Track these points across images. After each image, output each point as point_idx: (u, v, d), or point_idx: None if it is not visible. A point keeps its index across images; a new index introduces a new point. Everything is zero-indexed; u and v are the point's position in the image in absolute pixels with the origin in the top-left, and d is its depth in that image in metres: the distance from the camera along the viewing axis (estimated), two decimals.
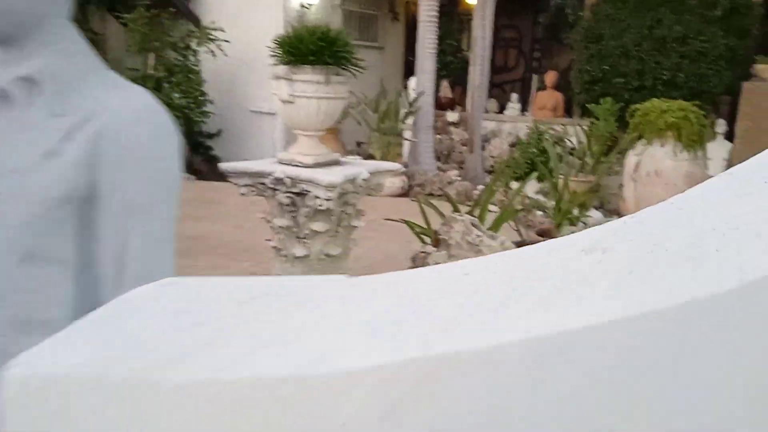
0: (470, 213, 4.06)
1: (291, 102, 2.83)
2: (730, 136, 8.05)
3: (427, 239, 3.89)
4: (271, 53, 2.86)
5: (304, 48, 2.76)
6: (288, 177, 2.77)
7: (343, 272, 3.04)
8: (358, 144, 9.75)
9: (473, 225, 3.46)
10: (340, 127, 8.68)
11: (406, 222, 4.09)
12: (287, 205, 2.85)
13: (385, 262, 4.93)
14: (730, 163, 7.84)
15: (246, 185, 2.90)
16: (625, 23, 8.19)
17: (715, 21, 7.77)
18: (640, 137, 4.56)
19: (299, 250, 2.89)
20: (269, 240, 3.00)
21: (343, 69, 2.88)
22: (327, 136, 8.59)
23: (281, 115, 2.92)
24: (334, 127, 8.63)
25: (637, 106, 4.60)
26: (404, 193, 7.76)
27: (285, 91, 2.82)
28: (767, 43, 8.62)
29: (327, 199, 2.70)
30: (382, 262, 4.94)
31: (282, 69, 2.79)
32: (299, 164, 2.89)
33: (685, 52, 7.83)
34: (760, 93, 7.61)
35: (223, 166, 2.89)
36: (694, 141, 4.35)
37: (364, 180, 2.87)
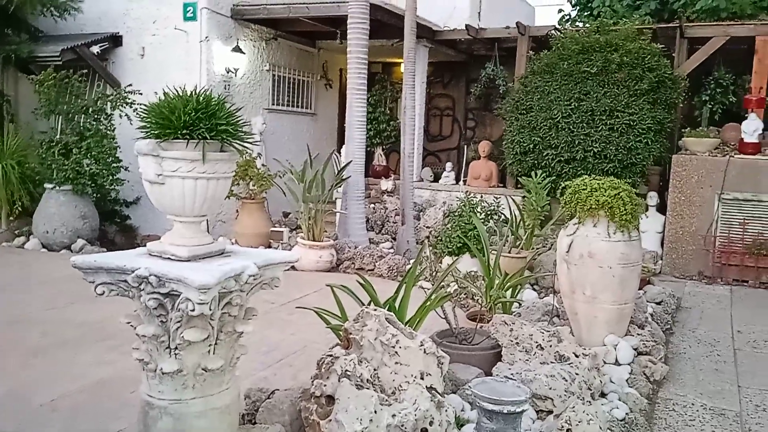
0: (392, 302, 3.60)
1: (160, 183, 2.34)
2: (661, 209, 8.02)
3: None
4: (139, 124, 2.39)
5: (176, 120, 2.30)
6: (153, 275, 2.25)
7: (227, 388, 2.49)
8: (285, 215, 9.28)
9: (389, 321, 2.99)
10: (266, 197, 8.22)
11: (318, 313, 3.58)
12: (155, 308, 2.31)
13: (302, 354, 4.36)
14: (663, 237, 7.77)
15: (104, 283, 2.36)
16: (553, 95, 8.18)
17: (642, 94, 7.84)
18: (571, 216, 4.27)
19: (169, 364, 2.34)
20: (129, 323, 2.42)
21: (227, 144, 2.43)
22: (251, 207, 8.13)
23: (149, 197, 2.42)
24: (260, 198, 8.17)
25: (567, 183, 4.32)
26: (333, 268, 7.28)
27: (152, 170, 2.33)
28: (693, 116, 8.79)
29: (200, 303, 2.19)
30: (298, 354, 4.38)
31: (147, 144, 2.31)
32: (172, 257, 2.38)
33: (614, 124, 7.83)
34: (689, 166, 7.66)
35: (75, 259, 2.34)
36: (628, 221, 4.09)
37: (251, 276, 2.38)
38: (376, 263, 7.10)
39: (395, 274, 6.83)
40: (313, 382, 2.74)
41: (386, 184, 10.22)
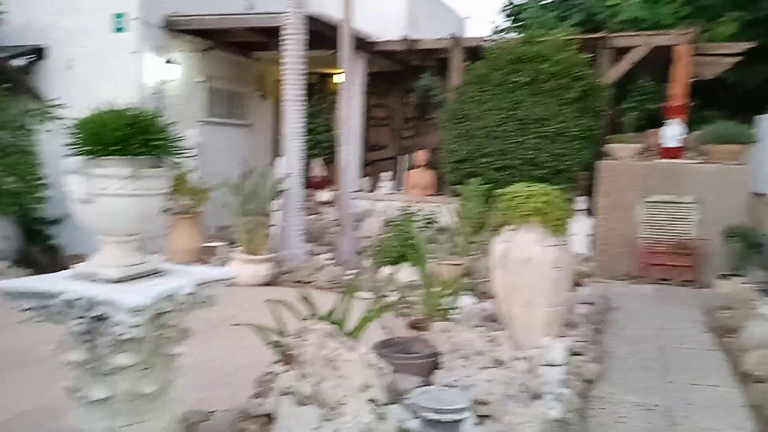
0: (332, 314, 3.60)
1: (89, 202, 2.27)
2: (590, 212, 8.33)
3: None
4: (67, 141, 2.31)
5: (107, 135, 2.24)
6: (82, 298, 2.17)
7: (162, 413, 2.43)
8: (221, 229, 9.11)
9: (330, 335, 2.99)
10: (200, 211, 8.05)
11: (257, 330, 3.53)
12: (83, 334, 2.23)
13: (241, 373, 4.26)
14: (594, 240, 8.08)
15: (30, 309, 2.26)
16: (487, 105, 8.39)
17: (570, 103, 8.15)
18: (506, 223, 4.39)
19: (99, 392, 2.26)
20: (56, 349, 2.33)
21: (160, 160, 2.38)
22: (185, 221, 7.93)
23: (77, 217, 2.34)
24: (194, 212, 7.99)
25: (502, 190, 4.45)
26: (272, 281, 7.19)
27: (81, 189, 2.26)
28: (618, 123, 9.20)
29: (133, 326, 2.13)
30: (236, 373, 4.28)
31: (76, 161, 2.24)
32: (102, 279, 2.31)
33: (545, 132, 8.10)
34: (615, 171, 8.01)
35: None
36: (560, 226, 4.24)
37: (187, 295, 2.34)
38: (315, 275, 7.08)
39: (335, 285, 6.81)
40: (252, 401, 2.71)
41: (325, 195, 10.21)
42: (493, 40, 9.56)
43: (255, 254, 7.14)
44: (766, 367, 4.07)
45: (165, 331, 2.36)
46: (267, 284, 7.03)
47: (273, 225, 8.24)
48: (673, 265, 7.60)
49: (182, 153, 2.48)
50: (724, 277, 6.66)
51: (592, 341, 4.74)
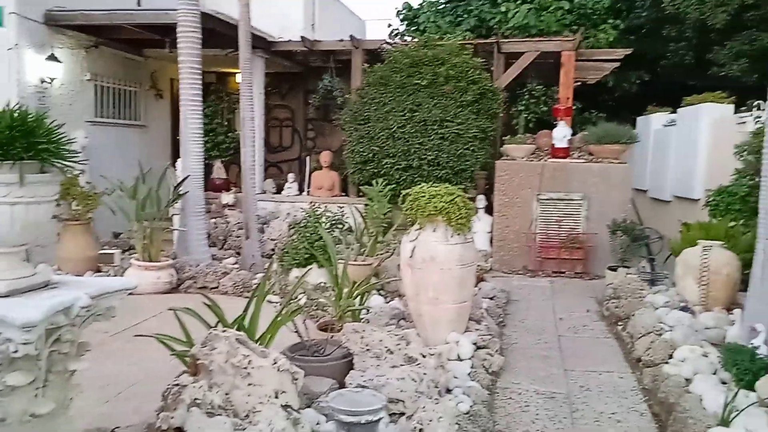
0: (241, 321, 3.51)
1: None
2: (489, 210, 8.65)
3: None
4: None
5: None
6: None
7: None
8: (116, 235, 8.63)
9: (239, 341, 2.91)
10: (92, 217, 7.57)
11: (159, 340, 3.37)
12: None
13: (144, 386, 4.06)
14: (492, 237, 8.39)
15: None
16: (389, 106, 8.50)
17: (468, 105, 8.43)
18: (412, 222, 4.47)
19: None
20: None
21: (49, 164, 2.22)
22: (75, 228, 7.42)
23: None
24: (85, 219, 7.50)
25: (407, 191, 4.52)
26: (174, 289, 6.89)
27: None
28: (512, 124, 9.64)
29: (24, 343, 1.97)
30: (140, 386, 4.06)
31: None
32: None
33: (444, 133, 8.32)
34: (510, 170, 8.36)
35: None
36: (463, 224, 4.37)
37: (83, 308, 2.19)
38: (220, 280, 6.86)
39: (241, 290, 6.65)
40: (159, 414, 2.58)
41: (227, 198, 9.93)
42: (392, 43, 9.70)
43: (154, 261, 6.81)
44: (654, 352, 4.40)
45: (60, 347, 2.20)
46: (169, 291, 6.73)
47: (173, 229, 7.91)
48: (566, 259, 8.05)
49: (71, 156, 2.32)
50: (612, 268, 7.14)
51: (496, 334, 4.92)
